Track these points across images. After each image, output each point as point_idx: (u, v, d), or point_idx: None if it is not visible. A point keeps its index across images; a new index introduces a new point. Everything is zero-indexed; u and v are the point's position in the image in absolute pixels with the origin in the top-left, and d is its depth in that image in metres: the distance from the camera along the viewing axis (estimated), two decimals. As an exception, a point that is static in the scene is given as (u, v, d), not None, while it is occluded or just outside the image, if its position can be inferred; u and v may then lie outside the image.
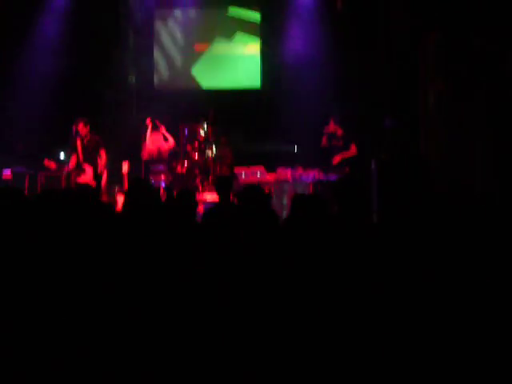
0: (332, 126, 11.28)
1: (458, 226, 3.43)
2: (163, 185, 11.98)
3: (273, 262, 3.41)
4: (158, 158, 12.43)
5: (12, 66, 12.63)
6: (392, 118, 9.95)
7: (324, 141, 11.45)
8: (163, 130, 12.40)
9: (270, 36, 14.17)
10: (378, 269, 3.50)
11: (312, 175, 11.24)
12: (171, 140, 12.51)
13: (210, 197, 11.92)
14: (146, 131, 12.34)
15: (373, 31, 11.32)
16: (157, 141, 12.52)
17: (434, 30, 9.11)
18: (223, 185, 7.25)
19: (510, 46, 8.28)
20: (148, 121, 12.26)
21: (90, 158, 10.72)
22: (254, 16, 14.54)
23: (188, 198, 5.89)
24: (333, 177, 10.80)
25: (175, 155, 12.82)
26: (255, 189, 5.59)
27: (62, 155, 10.70)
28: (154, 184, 11.60)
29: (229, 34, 14.65)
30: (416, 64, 9.56)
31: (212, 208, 6.37)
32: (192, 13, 14.72)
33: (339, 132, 11.28)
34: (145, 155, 12.32)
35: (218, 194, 7.32)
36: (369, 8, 11.41)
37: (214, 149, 13.22)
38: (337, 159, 11.22)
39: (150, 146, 12.46)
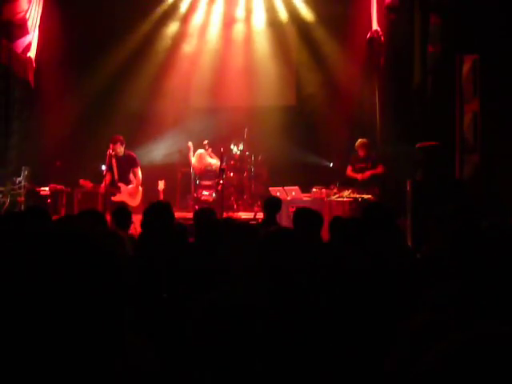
0: (361, 150, 11.41)
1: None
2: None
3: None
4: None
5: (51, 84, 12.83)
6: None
7: (349, 171, 11.61)
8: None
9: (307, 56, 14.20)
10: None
11: (347, 194, 11.19)
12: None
13: (245, 215, 11.95)
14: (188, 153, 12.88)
15: (410, 51, 11.24)
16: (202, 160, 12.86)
17: (470, 52, 9.00)
18: (272, 206, 7.27)
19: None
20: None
21: (125, 176, 10.80)
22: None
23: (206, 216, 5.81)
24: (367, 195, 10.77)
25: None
26: (311, 213, 5.57)
27: (103, 167, 10.82)
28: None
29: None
30: (453, 85, 9.45)
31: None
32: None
33: (362, 154, 11.42)
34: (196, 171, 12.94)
35: (265, 213, 7.33)
36: (406, 27, 11.33)
37: (251, 167, 13.29)
38: (366, 175, 11.30)
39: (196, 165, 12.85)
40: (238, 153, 13.36)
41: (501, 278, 3.12)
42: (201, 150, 12.96)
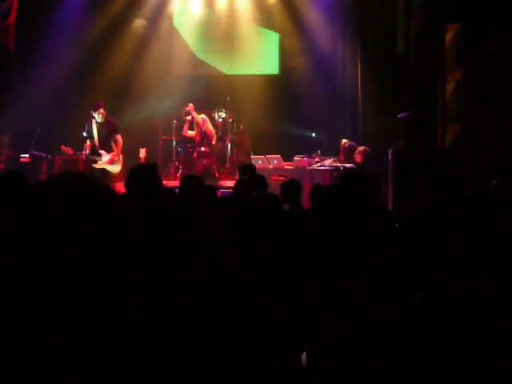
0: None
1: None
2: None
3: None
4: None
5: (32, 52, 12.66)
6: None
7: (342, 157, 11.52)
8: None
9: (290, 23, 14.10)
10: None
11: (328, 163, 11.21)
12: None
13: (227, 184, 11.95)
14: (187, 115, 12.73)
15: (392, 22, 11.20)
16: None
17: (453, 21, 9.00)
18: (292, 190, 5.98)
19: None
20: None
21: (106, 143, 10.74)
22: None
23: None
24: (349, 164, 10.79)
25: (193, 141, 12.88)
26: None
27: (84, 134, 10.73)
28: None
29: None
30: (435, 55, 9.46)
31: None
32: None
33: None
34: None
35: (286, 201, 5.95)
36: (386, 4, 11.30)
37: (232, 136, 13.26)
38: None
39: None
40: (220, 121, 13.32)
41: (479, 244, 3.20)
42: (203, 115, 12.84)
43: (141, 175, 4.40)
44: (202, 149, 12.49)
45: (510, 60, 8.33)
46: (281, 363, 2.27)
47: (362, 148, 10.89)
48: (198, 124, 12.53)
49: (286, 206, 5.37)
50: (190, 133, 12.69)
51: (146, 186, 4.26)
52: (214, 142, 12.76)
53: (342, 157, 11.37)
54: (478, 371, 1.04)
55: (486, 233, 3.28)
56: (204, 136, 12.55)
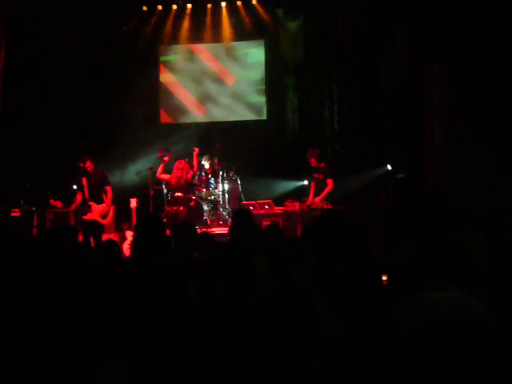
0: (313, 162, 11.19)
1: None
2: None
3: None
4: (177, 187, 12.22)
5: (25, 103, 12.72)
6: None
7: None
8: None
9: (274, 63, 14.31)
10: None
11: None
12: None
13: (219, 231, 11.89)
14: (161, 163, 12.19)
15: (375, 61, 11.34)
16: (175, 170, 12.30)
17: (436, 61, 9.11)
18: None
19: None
20: (162, 153, 12.18)
21: (96, 194, 10.69)
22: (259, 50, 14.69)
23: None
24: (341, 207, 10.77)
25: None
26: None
27: (74, 187, 10.70)
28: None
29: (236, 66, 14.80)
30: (421, 93, 9.56)
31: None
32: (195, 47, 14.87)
33: (321, 165, 11.22)
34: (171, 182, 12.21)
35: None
36: (371, 38, 11.45)
37: (223, 182, 13.23)
38: (317, 200, 11.10)
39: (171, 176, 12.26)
40: (209, 167, 13.32)
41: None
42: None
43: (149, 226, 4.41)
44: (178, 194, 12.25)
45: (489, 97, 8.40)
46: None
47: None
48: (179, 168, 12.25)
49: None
50: (164, 176, 12.40)
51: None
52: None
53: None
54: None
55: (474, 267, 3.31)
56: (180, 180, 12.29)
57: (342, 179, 11.57)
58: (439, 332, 1.26)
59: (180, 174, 12.01)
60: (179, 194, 12.04)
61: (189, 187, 12.33)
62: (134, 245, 4.61)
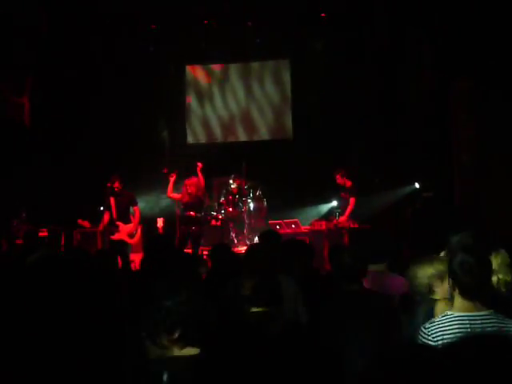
0: (339, 179, 11.29)
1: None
2: None
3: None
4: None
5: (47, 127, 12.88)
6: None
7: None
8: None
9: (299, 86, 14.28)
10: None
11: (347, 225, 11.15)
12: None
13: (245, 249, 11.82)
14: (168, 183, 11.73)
15: (402, 78, 11.30)
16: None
17: (463, 77, 9.05)
18: (268, 239, 6.39)
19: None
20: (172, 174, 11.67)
21: (124, 214, 10.72)
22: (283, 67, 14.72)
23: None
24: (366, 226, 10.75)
25: (210, 209, 12.72)
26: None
27: (101, 208, 10.74)
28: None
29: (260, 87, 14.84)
30: (446, 111, 9.49)
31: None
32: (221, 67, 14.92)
33: (348, 184, 11.27)
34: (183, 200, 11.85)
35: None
36: (397, 54, 11.42)
37: (249, 202, 13.19)
38: (342, 219, 11.12)
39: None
40: (235, 187, 13.28)
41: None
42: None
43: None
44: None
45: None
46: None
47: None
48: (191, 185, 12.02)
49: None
50: (175, 195, 12.19)
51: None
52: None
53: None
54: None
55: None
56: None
57: (368, 197, 11.55)
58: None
59: (191, 191, 11.71)
60: (192, 213, 11.62)
61: (201, 205, 11.89)
62: (141, 265, 4.59)
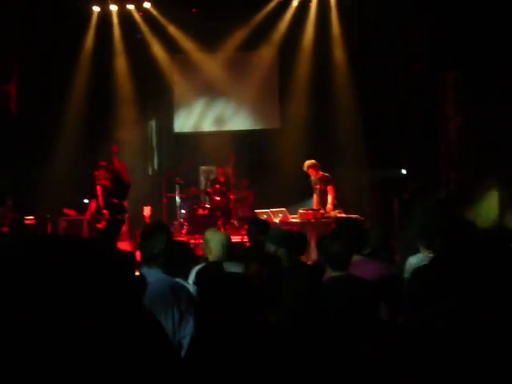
0: (312, 172, 11.32)
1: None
2: None
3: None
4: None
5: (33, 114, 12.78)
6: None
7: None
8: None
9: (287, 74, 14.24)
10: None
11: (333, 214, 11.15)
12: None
13: (233, 240, 11.83)
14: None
15: (390, 70, 11.31)
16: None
17: (451, 70, 9.07)
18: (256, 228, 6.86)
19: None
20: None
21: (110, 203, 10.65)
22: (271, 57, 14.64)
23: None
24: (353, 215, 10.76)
25: (197, 198, 12.77)
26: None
27: (86, 200, 10.64)
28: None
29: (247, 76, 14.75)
30: (434, 102, 9.52)
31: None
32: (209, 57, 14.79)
33: (319, 175, 11.32)
34: None
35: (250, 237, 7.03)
36: (386, 47, 11.42)
37: (236, 191, 13.22)
38: (329, 209, 11.17)
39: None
40: (224, 177, 13.30)
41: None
42: None
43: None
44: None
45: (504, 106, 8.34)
46: None
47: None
48: None
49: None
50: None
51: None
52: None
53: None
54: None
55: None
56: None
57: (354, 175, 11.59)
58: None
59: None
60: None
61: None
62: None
